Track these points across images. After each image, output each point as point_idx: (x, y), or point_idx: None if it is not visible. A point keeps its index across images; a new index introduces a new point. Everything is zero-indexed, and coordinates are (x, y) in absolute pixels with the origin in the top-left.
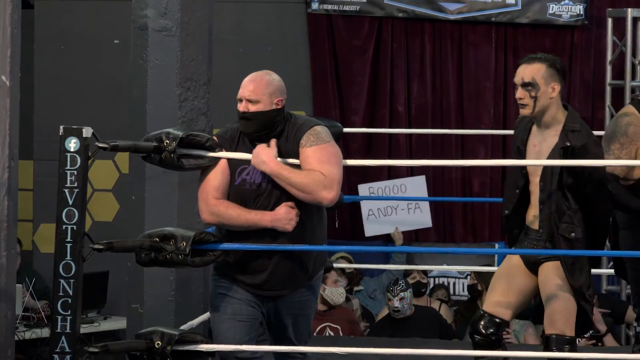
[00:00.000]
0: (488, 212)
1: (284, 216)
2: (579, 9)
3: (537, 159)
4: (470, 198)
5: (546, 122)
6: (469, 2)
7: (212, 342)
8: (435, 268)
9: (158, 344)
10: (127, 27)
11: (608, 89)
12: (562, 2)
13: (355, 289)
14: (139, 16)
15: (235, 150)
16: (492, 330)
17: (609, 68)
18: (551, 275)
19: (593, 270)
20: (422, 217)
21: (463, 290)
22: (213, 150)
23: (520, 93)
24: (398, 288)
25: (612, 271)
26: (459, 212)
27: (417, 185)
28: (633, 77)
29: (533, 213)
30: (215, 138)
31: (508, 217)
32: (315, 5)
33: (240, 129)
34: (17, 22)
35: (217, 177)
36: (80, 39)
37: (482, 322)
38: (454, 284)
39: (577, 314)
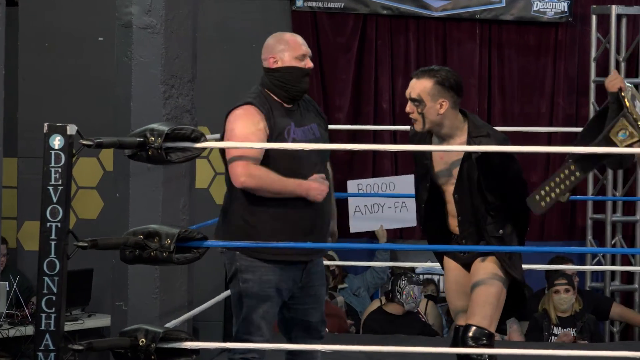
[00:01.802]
0: None
1: (318, 187)
2: (563, 6)
3: (447, 170)
4: None
5: (446, 134)
6: None
7: (196, 340)
8: (420, 265)
9: (142, 341)
10: (112, 24)
11: (592, 85)
12: None
13: (340, 286)
14: (123, 13)
15: (272, 115)
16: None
17: (593, 65)
18: (480, 272)
19: (580, 267)
20: (407, 216)
21: None
22: (199, 140)
23: (409, 108)
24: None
25: (596, 267)
26: None
27: (406, 184)
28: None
29: (454, 223)
30: (252, 105)
31: (428, 231)
32: (299, 3)
33: (295, 89)
34: (1, 20)
35: (253, 137)
36: (64, 36)
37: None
38: (439, 280)
39: (515, 300)
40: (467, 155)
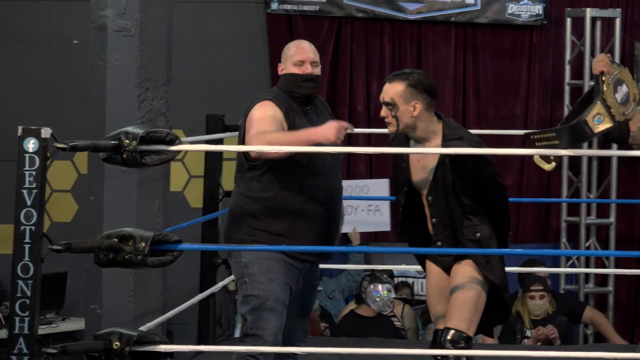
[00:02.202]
0: None
1: (332, 129)
2: (538, 8)
3: (424, 173)
4: None
5: (421, 136)
6: (428, 2)
7: (170, 343)
8: (395, 268)
9: (116, 344)
10: (86, 27)
11: (567, 88)
12: (521, 2)
13: None
14: (97, 16)
15: (291, 113)
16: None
17: (567, 68)
18: (458, 276)
19: (554, 270)
20: (381, 219)
21: (422, 290)
22: (173, 143)
23: (383, 112)
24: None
25: (570, 270)
26: None
27: (380, 187)
28: (591, 76)
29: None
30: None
31: (402, 234)
32: (274, 5)
33: (296, 94)
34: None
35: (271, 124)
36: (39, 39)
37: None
38: (413, 283)
39: (496, 306)
40: (442, 158)
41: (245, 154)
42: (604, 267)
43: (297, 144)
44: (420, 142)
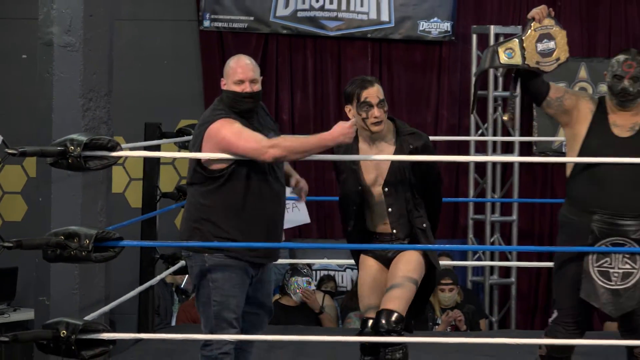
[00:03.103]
0: None
1: (342, 130)
2: (446, 26)
3: (378, 170)
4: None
5: (383, 135)
6: (346, 20)
7: (112, 331)
8: (318, 262)
9: (63, 333)
10: (34, 43)
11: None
12: (431, 20)
13: None
14: (45, 33)
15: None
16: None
17: (473, 79)
18: (401, 260)
19: (460, 263)
20: (299, 216)
21: (342, 282)
22: (115, 150)
23: (378, 112)
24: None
25: (477, 263)
26: (337, 210)
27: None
28: (495, 88)
29: (382, 221)
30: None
31: (351, 233)
32: (206, 23)
33: (236, 109)
34: None
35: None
36: None
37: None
38: (334, 276)
39: (427, 283)
40: (400, 150)
41: (203, 167)
42: (507, 260)
43: (314, 149)
44: (378, 139)
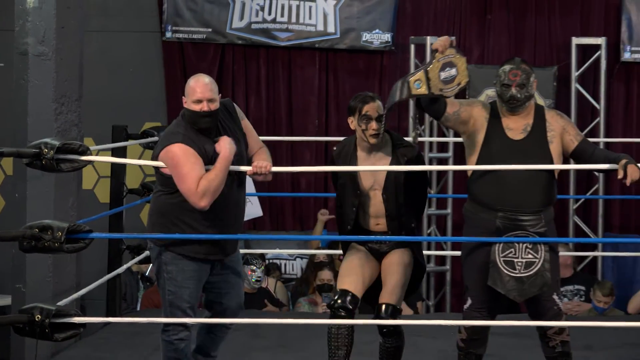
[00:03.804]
0: (313, 205)
1: (228, 146)
2: (387, 37)
3: (375, 177)
4: (299, 193)
5: (380, 146)
6: (296, 32)
7: (83, 316)
8: (270, 252)
9: (38, 317)
10: (11, 52)
11: (411, 102)
12: (373, 31)
13: None
14: (20, 43)
15: (199, 143)
16: (352, 305)
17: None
18: (395, 260)
19: None
20: (253, 209)
21: (293, 270)
22: (85, 154)
23: (376, 126)
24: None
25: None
26: (289, 205)
27: (249, 183)
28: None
29: (376, 222)
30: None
31: (350, 232)
32: (168, 34)
33: (196, 126)
34: None
35: (197, 169)
36: None
37: (347, 298)
38: (285, 265)
39: (412, 282)
40: (396, 161)
41: (162, 172)
42: (443, 250)
43: (223, 174)
44: (375, 151)
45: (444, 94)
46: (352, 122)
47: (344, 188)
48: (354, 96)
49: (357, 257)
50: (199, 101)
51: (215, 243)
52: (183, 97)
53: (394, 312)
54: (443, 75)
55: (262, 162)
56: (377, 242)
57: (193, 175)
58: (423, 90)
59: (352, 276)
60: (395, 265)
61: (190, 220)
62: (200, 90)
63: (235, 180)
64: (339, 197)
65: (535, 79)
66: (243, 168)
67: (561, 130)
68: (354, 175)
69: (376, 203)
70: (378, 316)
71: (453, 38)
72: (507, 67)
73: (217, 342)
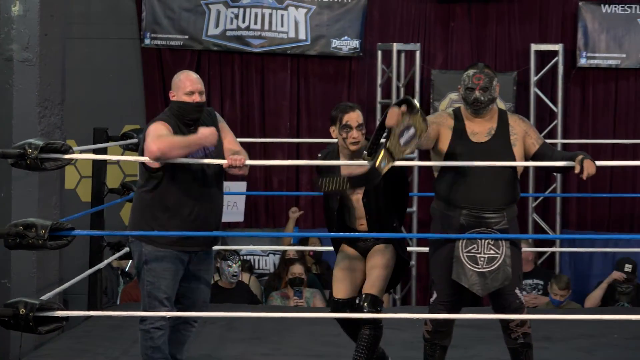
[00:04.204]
0: (285, 203)
1: (208, 132)
2: (355, 43)
3: None
4: (272, 192)
5: (360, 152)
6: (269, 38)
7: (66, 309)
8: (244, 248)
9: (22, 311)
10: None
11: (378, 106)
12: (342, 38)
13: None
14: (5, 50)
15: (180, 131)
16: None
17: (379, 90)
18: (377, 254)
19: None
20: (236, 215)
21: (266, 265)
22: (67, 152)
23: (356, 134)
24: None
25: None
26: (262, 203)
27: (237, 187)
28: (398, 97)
29: (359, 222)
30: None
31: (336, 231)
32: (147, 41)
33: (185, 118)
34: None
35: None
36: None
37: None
38: (259, 260)
39: (396, 274)
40: None
41: (146, 165)
42: (409, 246)
43: (188, 145)
44: (355, 156)
45: (407, 153)
46: (334, 130)
47: (327, 193)
48: (335, 106)
49: (347, 261)
50: (191, 93)
51: (197, 230)
52: (170, 92)
53: (375, 302)
54: (403, 140)
55: (237, 156)
56: (361, 239)
57: (160, 135)
58: (390, 164)
59: (345, 281)
60: (377, 259)
61: (169, 215)
62: (192, 83)
63: (213, 179)
64: (324, 202)
65: (498, 83)
66: (219, 161)
67: (523, 134)
68: None
69: (358, 207)
70: (359, 306)
71: (403, 107)
72: (471, 72)
73: (182, 341)
